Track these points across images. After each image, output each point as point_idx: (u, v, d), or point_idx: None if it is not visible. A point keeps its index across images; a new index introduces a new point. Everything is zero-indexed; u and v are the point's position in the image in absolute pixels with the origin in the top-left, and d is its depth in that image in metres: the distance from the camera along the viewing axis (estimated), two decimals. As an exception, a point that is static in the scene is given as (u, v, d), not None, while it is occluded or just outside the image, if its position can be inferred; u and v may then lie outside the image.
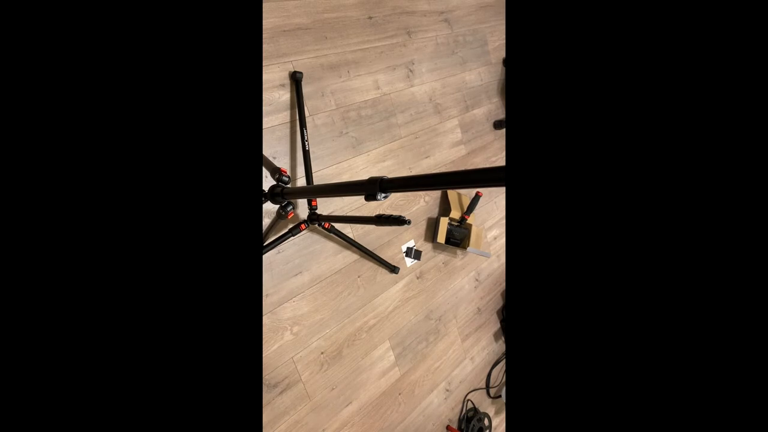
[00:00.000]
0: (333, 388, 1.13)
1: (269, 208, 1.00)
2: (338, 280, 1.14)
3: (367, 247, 1.16)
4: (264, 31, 1.00)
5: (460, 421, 1.51)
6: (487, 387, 1.64)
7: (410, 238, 1.35)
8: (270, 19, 1.01)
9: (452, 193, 1.45)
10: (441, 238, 1.36)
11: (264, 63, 1.00)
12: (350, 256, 1.17)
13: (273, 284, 1.01)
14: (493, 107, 1.66)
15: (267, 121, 1.00)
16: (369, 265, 1.22)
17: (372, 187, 0.49)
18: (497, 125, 1.65)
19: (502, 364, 1.69)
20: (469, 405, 1.55)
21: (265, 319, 1.00)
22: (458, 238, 1.43)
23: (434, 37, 1.42)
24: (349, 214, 1.17)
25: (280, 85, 1.03)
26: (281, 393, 1.03)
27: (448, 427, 1.46)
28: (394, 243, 1.30)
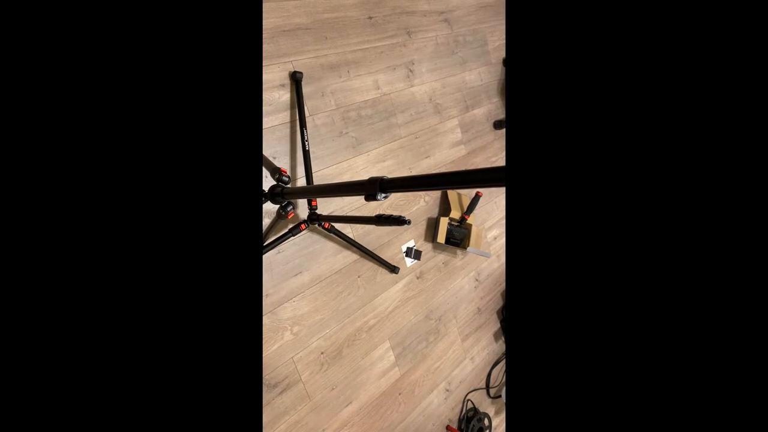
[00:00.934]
0: (333, 388, 1.13)
1: (269, 208, 1.00)
2: (338, 280, 1.14)
3: (367, 247, 1.16)
4: (264, 31, 1.00)
5: (460, 421, 1.51)
6: (487, 387, 1.64)
7: (410, 238, 1.35)
8: (270, 19, 1.01)
9: (452, 193, 1.45)
10: (441, 238, 1.36)
11: (264, 63, 1.00)
12: (350, 256, 1.17)
13: (273, 284, 1.01)
14: (493, 107, 1.66)
15: (267, 121, 1.00)
16: (369, 265, 1.22)
17: (372, 187, 0.49)
18: (497, 125, 1.65)
19: (502, 364, 1.69)
20: (469, 405, 1.55)
21: (265, 319, 1.00)
22: (458, 238, 1.43)
23: (434, 37, 1.42)
24: (349, 214, 1.17)
25: (280, 85, 1.03)
26: (281, 393, 1.03)
27: (448, 427, 1.46)
28: (394, 243, 1.30)
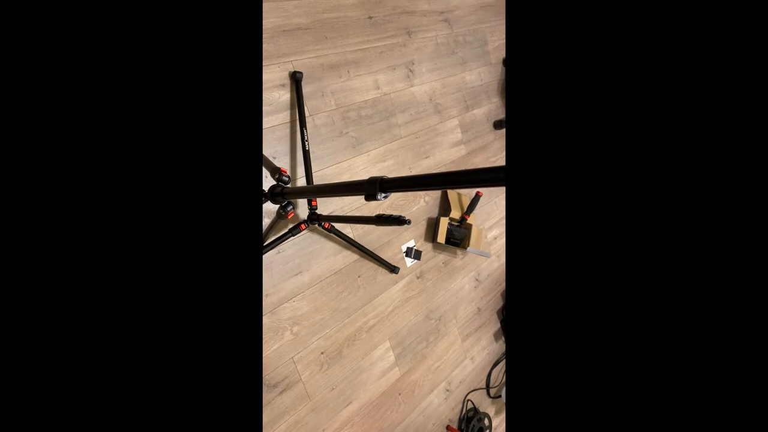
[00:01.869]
0: (333, 388, 1.13)
1: (269, 208, 1.00)
2: (338, 280, 1.14)
3: (367, 247, 1.16)
4: (264, 31, 1.00)
5: (460, 421, 1.51)
6: (487, 387, 1.64)
7: (410, 238, 1.35)
8: (270, 19, 1.01)
9: (452, 193, 1.45)
10: (441, 238, 1.36)
11: (264, 63, 1.00)
12: (350, 256, 1.17)
13: (273, 284, 1.01)
14: (493, 107, 1.66)
15: (267, 121, 1.00)
16: (369, 265, 1.22)
17: (372, 187, 0.49)
18: (497, 125, 1.65)
19: (502, 364, 1.69)
20: (469, 405, 1.55)
21: (265, 319, 1.00)
22: (458, 238, 1.43)
23: (434, 37, 1.42)
24: (349, 214, 1.17)
25: (280, 85, 1.03)
26: (281, 393, 1.03)
27: (448, 427, 1.46)
28: (394, 243, 1.30)
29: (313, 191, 0.72)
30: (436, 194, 1.44)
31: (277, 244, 0.95)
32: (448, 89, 1.47)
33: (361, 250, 1.15)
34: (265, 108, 0.99)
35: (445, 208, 1.45)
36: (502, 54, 1.71)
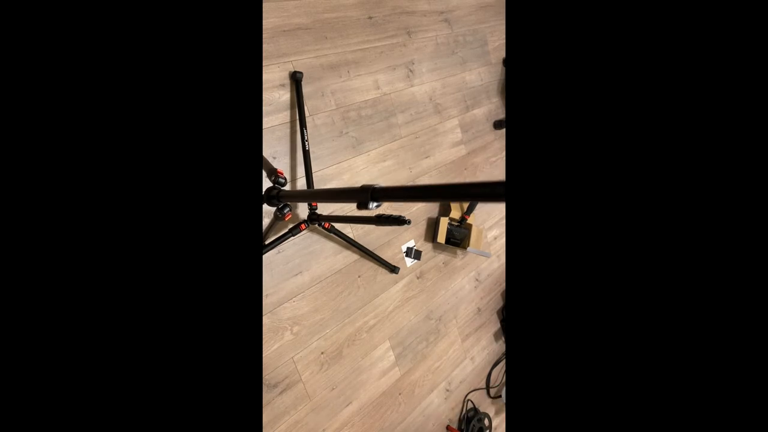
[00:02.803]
0: (333, 388, 1.13)
1: (268, 209, 1.00)
2: (338, 280, 1.14)
3: (367, 247, 1.16)
4: (264, 31, 1.00)
5: (460, 421, 1.51)
6: (487, 387, 1.64)
7: (410, 238, 1.35)
8: (270, 19, 1.01)
9: (452, 193, 1.45)
10: (441, 238, 1.36)
11: (264, 63, 1.00)
12: (350, 256, 1.17)
13: (273, 284, 1.01)
14: (493, 107, 1.66)
15: (267, 121, 1.00)
16: (369, 265, 1.22)
17: (364, 195, 0.48)
18: (497, 125, 1.65)
19: (502, 364, 1.69)
20: (469, 405, 1.55)
21: (265, 319, 1.00)
22: (458, 238, 1.43)
23: (434, 37, 1.42)
24: (349, 214, 1.17)
25: (280, 85, 1.03)
26: (281, 393, 1.03)
27: (448, 427, 1.46)
28: (394, 243, 1.30)
29: (307, 195, 0.71)
30: (436, 194, 1.44)
31: (277, 244, 0.95)
32: (448, 89, 1.47)
33: (361, 250, 1.15)
34: (265, 108, 0.99)
35: (445, 208, 1.45)
36: (502, 54, 1.71)
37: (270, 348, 1.01)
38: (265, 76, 1.00)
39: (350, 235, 1.15)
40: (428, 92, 1.40)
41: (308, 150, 1.01)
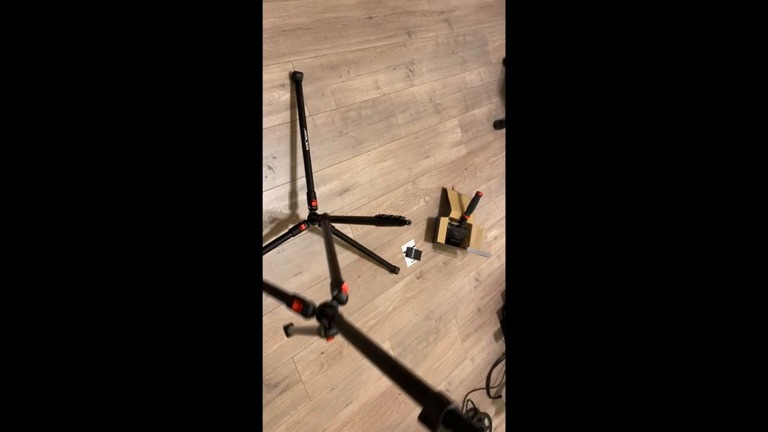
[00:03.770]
0: (333, 388, 1.13)
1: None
2: (338, 280, 1.14)
3: (367, 247, 1.16)
4: (264, 31, 1.00)
5: (460, 421, 1.51)
6: (487, 387, 1.63)
7: (410, 238, 1.34)
8: (270, 19, 1.01)
9: (452, 193, 1.45)
10: (441, 238, 1.36)
11: (264, 63, 0.99)
12: (350, 256, 1.17)
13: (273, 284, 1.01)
14: (493, 107, 1.66)
15: (267, 121, 1.00)
16: (369, 265, 1.22)
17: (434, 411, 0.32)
18: (497, 125, 1.65)
19: (502, 364, 1.69)
20: (469, 405, 1.55)
21: (265, 319, 1.00)
22: (458, 238, 1.43)
23: (434, 37, 1.42)
24: (349, 214, 1.17)
25: (280, 85, 1.03)
26: (281, 393, 1.03)
27: (448, 427, 1.46)
28: (394, 243, 1.30)
29: (361, 345, 0.53)
30: (436, 194, 1.44)
31: (277, 245, 0.95)
32: (448, 89, 1.47)
33: (361, 250, 1.15)
34: (265, 108, 0.99)
35: (445, 208, 1.45)
36: (502, 54, 1.71)
37: (270, 348, 1.01)
38: (265, 76, 1.00)
39: (350, 235, 1.15)
40: (428, 92, 1.40)
41: (308, 150, 1.01)
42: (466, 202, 1.46)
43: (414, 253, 1.34)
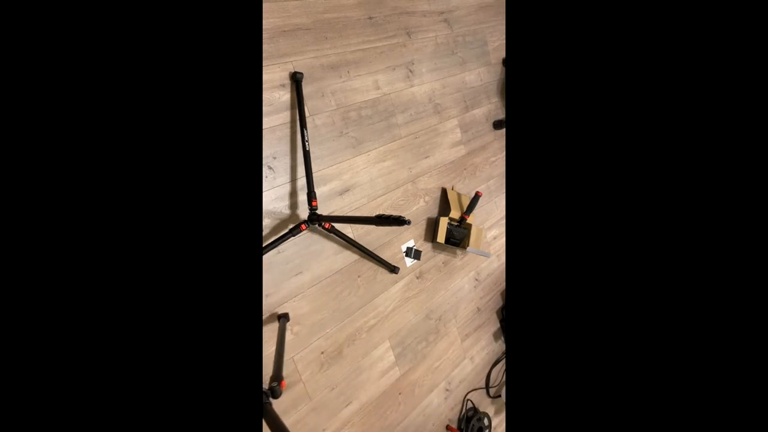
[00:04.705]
0: (333, 388, 1.13)
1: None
2: (338, 280, 1.15)
3: (367, 247, 1.16)
4: (264, 32, 1.00)
5: (459, 420, 1.51)
6: (487, 387, 1.64)
7: (410, 238, 1.35)
8: (270, 20, 1.01)
9: (452, 193, 1.45)
10: (441, 238, 1.36)
11: (264, 63, 1.00)
12: (350, 256, 1.17)
13: (273, 284, 1.01)
14: (493, 107, 1.66)
15: (267, 122, 1.00)
16: (369, 265, 1.22)
17: None
18: (497, 125, 1.65)
19: (502, 363, 1.69)
20: (469, 405, 1.55)
21: (267, 316, 1.00)
22: (458, 238, 1.43)
23: (434, 37, 1.42)
24: (349, 214, 1.17)
25: (281, 85, 1.03)
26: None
27: (447, 427, 1.46)
28: (394, 243, 1.30)
29: None
30: (436, 194, 1.44)
31: (278, 245, 0.95)
32: (447, 89, 1.47)
33: (361, 250, 1.15)
34: (265, 108, 1.00)
35: (444, 208, 1.45)
36: (502, 54, 1.71)
37: (270, 348, 1.01)
38: (265, 77, 1.00)
39: (350, 235, 1.15)
40: (428, 92, 1.40)
41: (308, 150, 1.01)
42: (466, 202, 1.47)
43: (414, 253, 1.34)
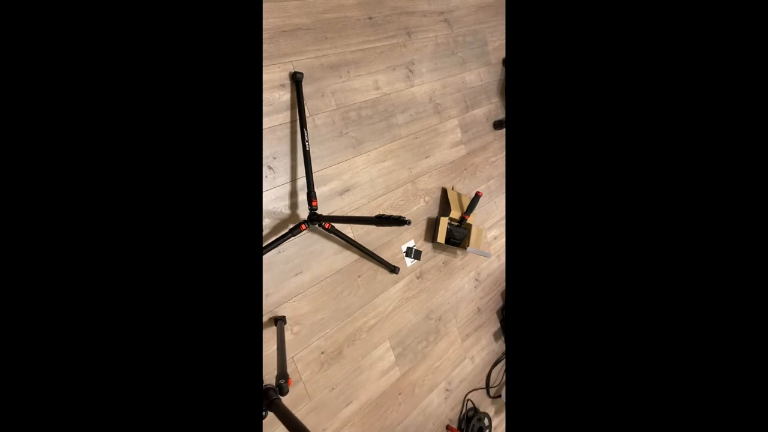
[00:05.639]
0: (333, 388, 1.13)
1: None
2: (338, 280, 1.15)
3: (367, 247, 1.16)
4: (264, 32, 1.00)
5: (460, 420, 1.51)
6: (487, 387, 1.64)
7: (410, 238, 1.35)
8: (270, 20, 1.01)
9: (452, 193, 1.45)
10: (441, 238, 1.36)
11: (264, 63, 1.00)
12: (350, 256, 1.17)
13: (273, 284, 1.01)
14: (493, 107, 1.66)
15: (267, 122, 1.00)
16: (369, 265, 1.22)
17: None
18: (497, 125, 1.65)
19: (502, 363, 1.69)
20: (469, 405, 1.55)
21: (266, 319, 1.00)
22: (458, 238, 1.43)
23: (434, 37, 1.42)
24: (349, 214, 1.17)
25: (281, 85, 1.03)
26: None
27: (448, 427, 1.46)
28: (394, 243, 1.30)
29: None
30: (436, 194, 1.44)
31: (278, 244, 0.95)
32: (448, 89, 1.47)
33: (361, 250, 1.15)
34: (265, 108, 1.00)
35: (444, 208, 1.45)
36: (502, 54, 1.71)
37: (270, 348, 1.01)
38: (265, 77, 1.00)
39: (350, 235, 1.15)
40: (428, 92, 1.40)
41: (308, 150, 1.01)
42: (466, 202, 1.47)
43: (414, 253, 1.34)
